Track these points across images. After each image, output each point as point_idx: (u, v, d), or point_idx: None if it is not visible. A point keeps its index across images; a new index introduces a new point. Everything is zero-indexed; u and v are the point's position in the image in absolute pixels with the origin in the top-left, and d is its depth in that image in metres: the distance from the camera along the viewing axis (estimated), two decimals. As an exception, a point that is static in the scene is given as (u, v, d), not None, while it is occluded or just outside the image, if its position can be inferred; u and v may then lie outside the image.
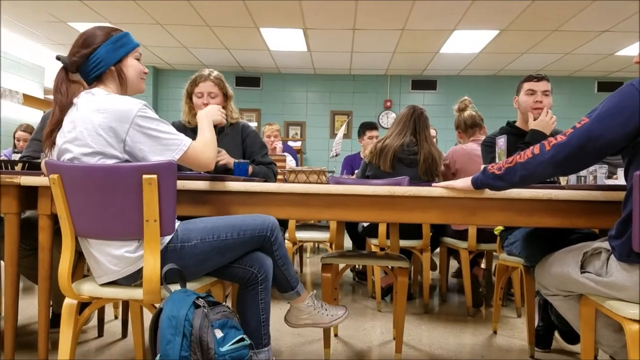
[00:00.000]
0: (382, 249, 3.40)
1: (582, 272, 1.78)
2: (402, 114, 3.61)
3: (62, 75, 1.80)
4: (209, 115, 2.04)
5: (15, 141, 5.22)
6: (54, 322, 2.34)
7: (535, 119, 2.69)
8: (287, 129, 9.50)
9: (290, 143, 8.88)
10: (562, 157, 1.68)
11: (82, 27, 6.76)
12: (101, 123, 1.65)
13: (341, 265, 2.64)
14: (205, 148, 1.85)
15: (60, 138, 1.72)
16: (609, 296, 1.69)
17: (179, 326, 1.51)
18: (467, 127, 3.79)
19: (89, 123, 1.66)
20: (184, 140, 1.75)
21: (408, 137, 3.49)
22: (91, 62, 1.77)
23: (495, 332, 3.02)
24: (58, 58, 1.80)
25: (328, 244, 4.09)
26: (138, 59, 1.88)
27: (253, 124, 8.33)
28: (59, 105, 1.76)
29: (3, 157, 4.76)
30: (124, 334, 2.76)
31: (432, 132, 4.99)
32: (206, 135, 1.93)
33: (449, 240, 3.62)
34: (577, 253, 1.84)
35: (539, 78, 2.77)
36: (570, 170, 1.78)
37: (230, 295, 2.54)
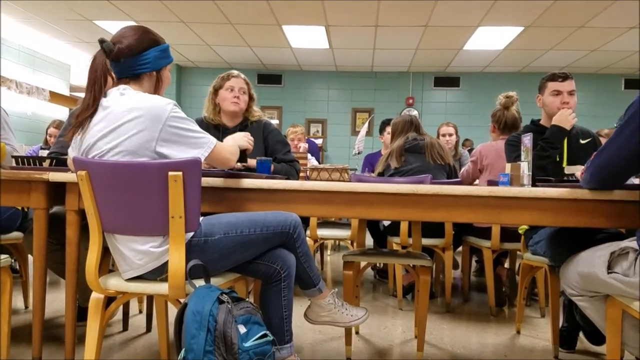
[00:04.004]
0: (403, 247, 3.38)
1: (609, 273, 1.75)
2: (396, 123, 3.66)
3: (101, 59, 1.77)
4: (236, 139, 2.20)
5: (47, 137, 5.32)
6: (80, 315, 2.38)
7: None
8: (309, 126, 9.52)
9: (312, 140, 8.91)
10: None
11: (108, 25, 6.88)
12: (134, 122, 1.67)
13: (362, 263, 2.64)
14: (230, 148, 1.99)
15: (90, 136, 1.74)
16: (637, 297, 1.66)
17: (204, 321, 1.52)
18: (506, 127, 3.65)
19: (120, 122, 1.68)
20: (211, 139, 1.81)
21: (409, 134, 3.54)
22: (140, 59, 1.80)
23: (518, 332, 2.99)
24: (102, 41, 1.77)
25: (349, 241, 4.09)
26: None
27: (274, 122, 8.35)
28: (94, 94, 1.74)
29: (30, 153, 4.85)
30: (149, 328, 2.81)
31: (449, 129, 4.93)
32: (229, 141, 2.11)
33: (471, 238, 3.59)
34: (604, 253, 1.81)
35: (563, 77, 2.72)
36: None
37: (253, 291, 2.55)
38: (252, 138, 2.32)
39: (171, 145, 1.71)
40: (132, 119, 1.67)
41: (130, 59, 1.80)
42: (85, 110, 1.74)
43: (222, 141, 2.84)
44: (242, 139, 2.24)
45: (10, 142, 2.86)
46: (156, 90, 1.90)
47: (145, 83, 1.85)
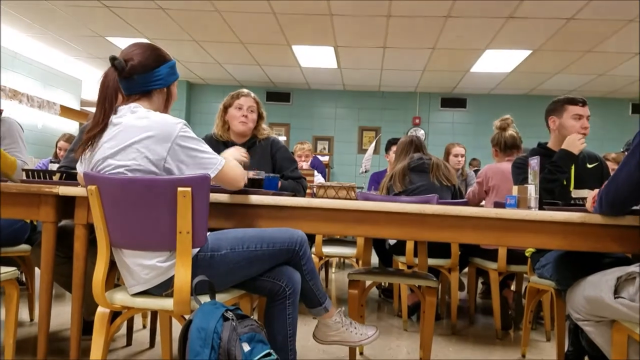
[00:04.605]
0: (409, 267, 3.37)
1: (615, 297, 1.74)
2: (398, 145, 3.74)
3: (112, 77, 1.79)
4: (234, 154, 2.18)
5: (57, 150, 5.37)
6: (84, 329, 2.38)
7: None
8: (316, 144, 9.56)
9: (318, 157, 8.93)
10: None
11: (121, 41, 6.98)
12: (144, 142, 1.69)
13: (368, 282, 2.63)
14: (237, 168, 1.96)
15: (100, 152, 1.75)
16: (644, 323, 1.65)
17: (208, 338, 1.52)
18: (506, 147, 3.75)
19: (131, 141, 1.70)
20: (220, 159, 1.82)
21: (413, 155, 3.60)
22: (152, 76, 1.83)
23: (523, 356, 2.96)
24: (114, 59, 1.78)
25: (354, 259, 4.08)
26: None
27: (282, 138, 8.34)
28: (104, 110, 1.76)
29: (39, 166, 4.90)
30: (152, 343, 2.80)
31: (461, 149, 4.98)
32: (231, 162, 2.02)
33: (478, 260, 3.57)
34: (610, 277, 1.80)
35: (583, 102, 2.75)
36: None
37: (257, 308, 2.55)
38: (246, 153, 2.28)
39: (179, 165, 1.73)
40: (142, 138, 1.70)
41: (143, 76, 1.82)
42: (95, 126, 1.77)
43: None
44: (237, 155, 2.19)
45: (22, 155, 2.90)
46: (166, 105, 1.93)
47: (155, 99, 1.88)
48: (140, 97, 1.85)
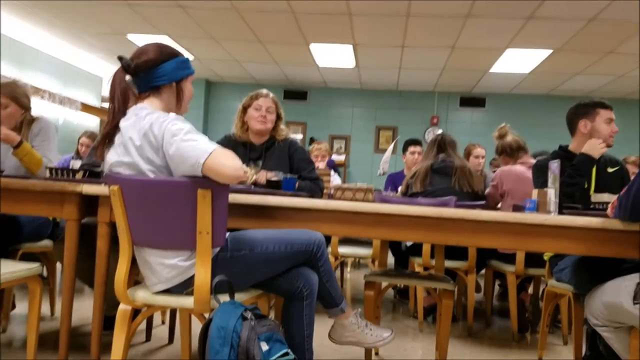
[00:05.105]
0: (425, 269, 3.37)
1: (634, 303, 1.73)
2: (428, 143, 3.80)
3: (120, 76, 1.83)
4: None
5: (79, 146, 5.45)
6: (105, 324, 2.42)
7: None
8: (332, 142, 9.56)
9: (334, 156, 8.93)
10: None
11: (140, 39, 7.05)
12: (141, 150, 1.72)
13: (384, 284, 2.64)
14: (232, 159, 1.69)
15: (111, 154, 1.79)
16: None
17: (227, 337, 1.55)
18: (513, 151, 3.82)
19: (131, 149, 1.73)
20: (208, 147, 1.66)
21: (437, 155, 3.61)
22: (156, 72, 1.85)
23: (540, 359, 2.95)
24: (120, 58, 1.83)
25: (370, 259, 4.08)
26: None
27: (298, 136, 8.36)
28: (113, 110, 1.81)
29: (61, 163, 4.97)
30: (171, 339, 2.84)
31: (482, 151, 4.96)
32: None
33: (495, 262, 3.56)
34: (629, 283, 1.79)
35: (611, 106, 2.75)
36: None
37: (275, 307, 2.57)
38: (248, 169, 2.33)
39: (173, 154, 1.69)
40: (139, 145, 1.72)
41: (148, 72, 1.84)
42: (106, 126, 1.82)
43: (248, 157, 2.91)
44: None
45: (49, 154, 2.96)
46: (177, 101, 1.92)
47: (164, 95, 1.89)
48: (150, 95, 1.87)
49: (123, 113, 1.81)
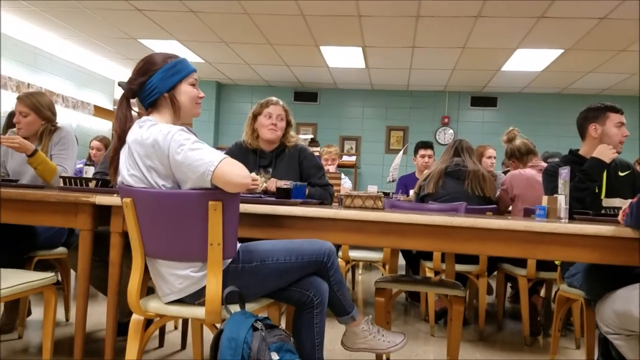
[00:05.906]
0: (436, 273, 3.37)
1: (646, 312, 1.72)
2: (447, 146, 3.83)
3: (122, 102, 1.90)
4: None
5: (90, 150, 5.51)
6: (118, 330, 2.46)
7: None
8: (343, 143, 9.56)
9: (345, 157, 8.93)
10: None
11: (152, 43, 7.11)
12: (147, 161, 1.74)
13: (395, 290, 2.64)
14: (240, 169, 1.72)
15: (123, 167, 1.83)
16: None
17: (238, 348, 1.57)
18: (522, 155, 3.83)
19: (138, 161, 1.76)
20: (214, 158, 1.67)
21: (453, 159, 3.63)
22: (146, 89, 1.87)
23: (552, 364, 2.94)
24: (120, 85, 1.90)
25: (381, 263, 4.09)
26: (193, 85, 1.93)
27: (309, 136, 8.35)
28: (116, 133, 1.88)
29: (75, 168, 5.02)
30: (183, 345, 2.87)
31: (493, 151, 4.95)
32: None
33: (507, 266, 3.55)
34: (641, 292, 1.78)
35: (622, 110, 2.74)
36: None
37: (285, 315, 2.59)
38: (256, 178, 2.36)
39: (181, 163, 1.70)
40: (143, 155, 1.74)
41: (142, 91, 1.88)
42: (115, 154, 1.88)
43: (259, 164, 2.93)
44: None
45: (66, 163, 3.01)
46: (175, 111, 1.88)
47: (164, 109, 1.90)
48: (151, 111, 1.91)
49: (125, 134, 1.85)
